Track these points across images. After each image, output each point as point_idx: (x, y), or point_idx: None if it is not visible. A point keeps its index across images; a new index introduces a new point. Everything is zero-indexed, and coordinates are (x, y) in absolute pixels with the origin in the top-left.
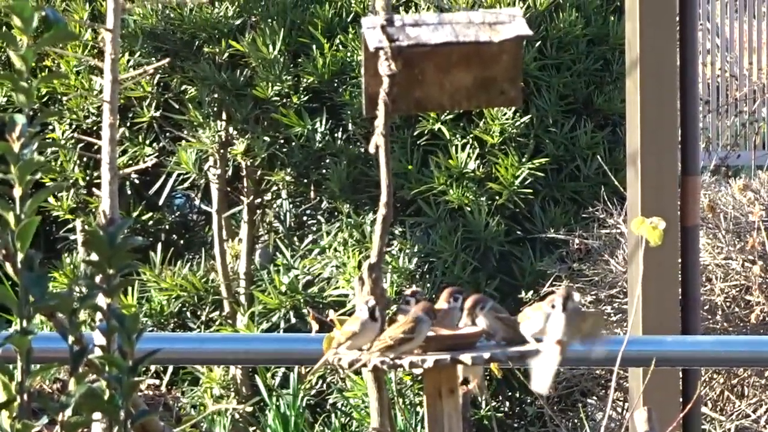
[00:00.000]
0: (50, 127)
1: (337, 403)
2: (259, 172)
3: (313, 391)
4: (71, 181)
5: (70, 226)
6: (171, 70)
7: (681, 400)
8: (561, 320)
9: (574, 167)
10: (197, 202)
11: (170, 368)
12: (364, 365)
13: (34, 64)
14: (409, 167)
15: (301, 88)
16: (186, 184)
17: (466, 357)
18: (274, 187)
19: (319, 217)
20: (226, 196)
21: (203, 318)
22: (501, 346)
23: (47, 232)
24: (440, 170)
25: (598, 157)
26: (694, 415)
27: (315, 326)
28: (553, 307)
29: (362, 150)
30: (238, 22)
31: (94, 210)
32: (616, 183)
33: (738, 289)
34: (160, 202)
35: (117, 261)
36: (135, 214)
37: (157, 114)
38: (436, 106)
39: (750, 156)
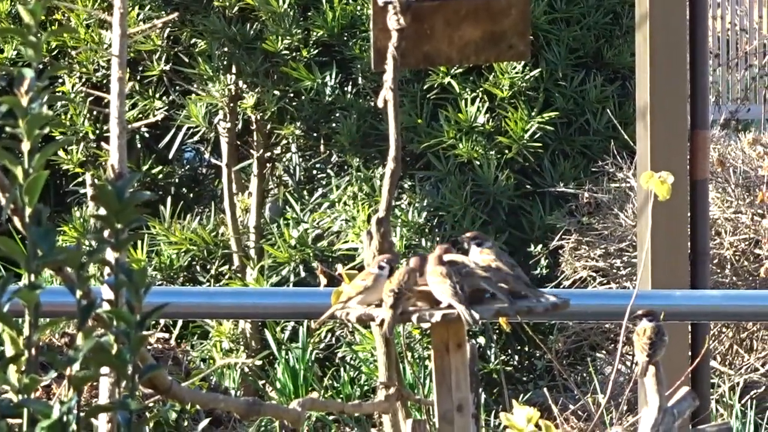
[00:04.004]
0: (60, 81)
1: (346, 357)
2: (268, 126)
3: (322, 345)
4: (81, 134)
5: (80, 179)
6: (181, 24)
7: (690, 354)
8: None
9: (583, 121)
10: (207, 155)
11: (180, 322)
12: (372, 320)
13: (43, 18)
14: (419, 121)
15: (311, 42)
16: (196, 138)
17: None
18: (284, 141)
19: (328, 170)
20: (236, 150)
21: (213, 272)
22: (510, 301)
23: (57, 185)
24: (450, 124)
25: (608, 111)
26: (703, 369)
27: (324, 280)
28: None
29: (372, 104)
30: None
31: (103, 163)
32: (626, 137)
33: (747, 243)
34: (170, 156)
35: (125, 215)
36: (145, 167)
37: (167, 68)
38: (444, 61)
39: (760, 110)
